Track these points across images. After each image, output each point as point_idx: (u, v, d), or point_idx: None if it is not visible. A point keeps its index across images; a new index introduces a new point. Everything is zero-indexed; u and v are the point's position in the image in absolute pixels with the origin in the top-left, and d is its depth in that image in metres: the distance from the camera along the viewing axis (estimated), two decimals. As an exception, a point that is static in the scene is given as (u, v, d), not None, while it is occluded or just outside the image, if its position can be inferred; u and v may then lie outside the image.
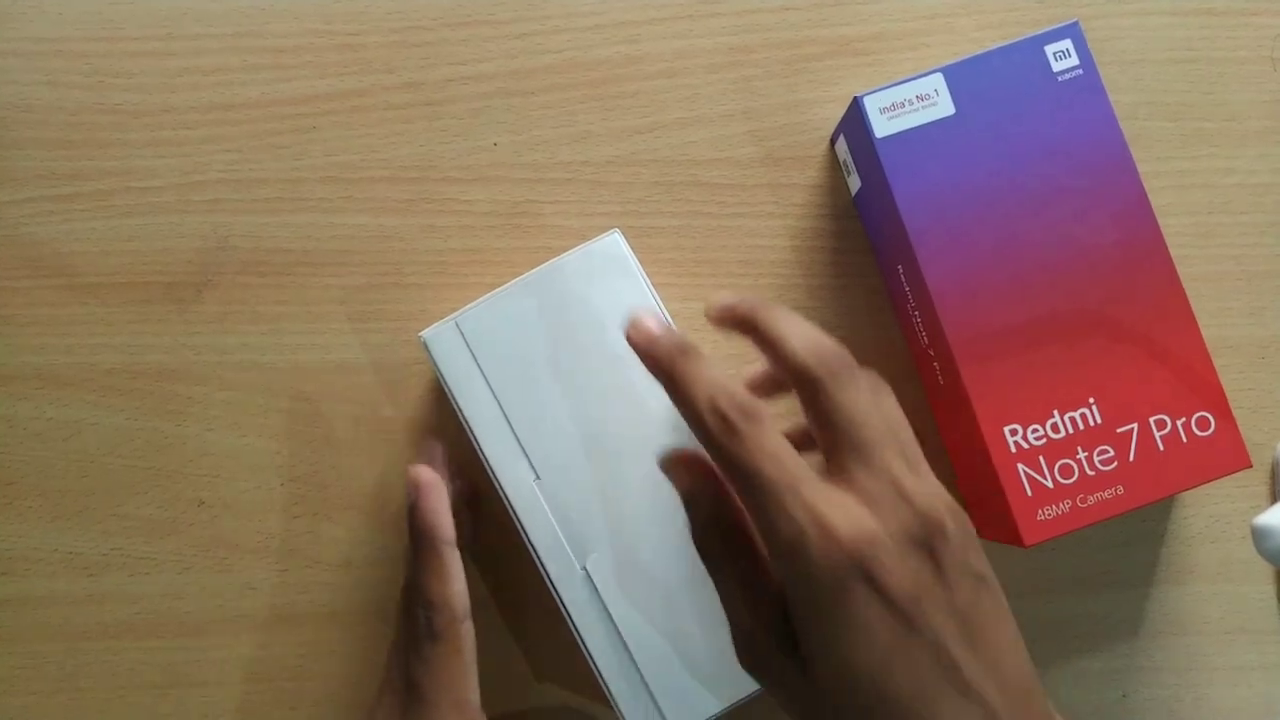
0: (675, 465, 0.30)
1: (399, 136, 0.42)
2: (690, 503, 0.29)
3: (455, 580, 0.34)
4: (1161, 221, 0.38)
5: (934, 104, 0.38)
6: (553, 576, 0.36)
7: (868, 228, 0.42)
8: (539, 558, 0.36)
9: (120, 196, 0.42)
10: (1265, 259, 0.43)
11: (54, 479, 0.41)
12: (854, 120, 0.39)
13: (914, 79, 0.38)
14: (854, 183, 0.42)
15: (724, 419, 0.27)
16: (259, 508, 0.41)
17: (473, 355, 0.37)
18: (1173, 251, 0.38)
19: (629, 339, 0.30)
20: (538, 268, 0.37)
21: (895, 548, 0.26)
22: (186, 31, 0.43)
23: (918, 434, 0.42)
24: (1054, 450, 0.37)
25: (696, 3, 0.43)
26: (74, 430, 0.41)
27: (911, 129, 0.38)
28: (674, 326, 0.35)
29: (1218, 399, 0.37)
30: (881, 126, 0.38)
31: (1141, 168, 0.38)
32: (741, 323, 0.31)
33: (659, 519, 0.37)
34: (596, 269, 0.37)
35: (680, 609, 0.36)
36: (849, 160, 0.42)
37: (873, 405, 0.28)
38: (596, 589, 0.36)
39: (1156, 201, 0.38)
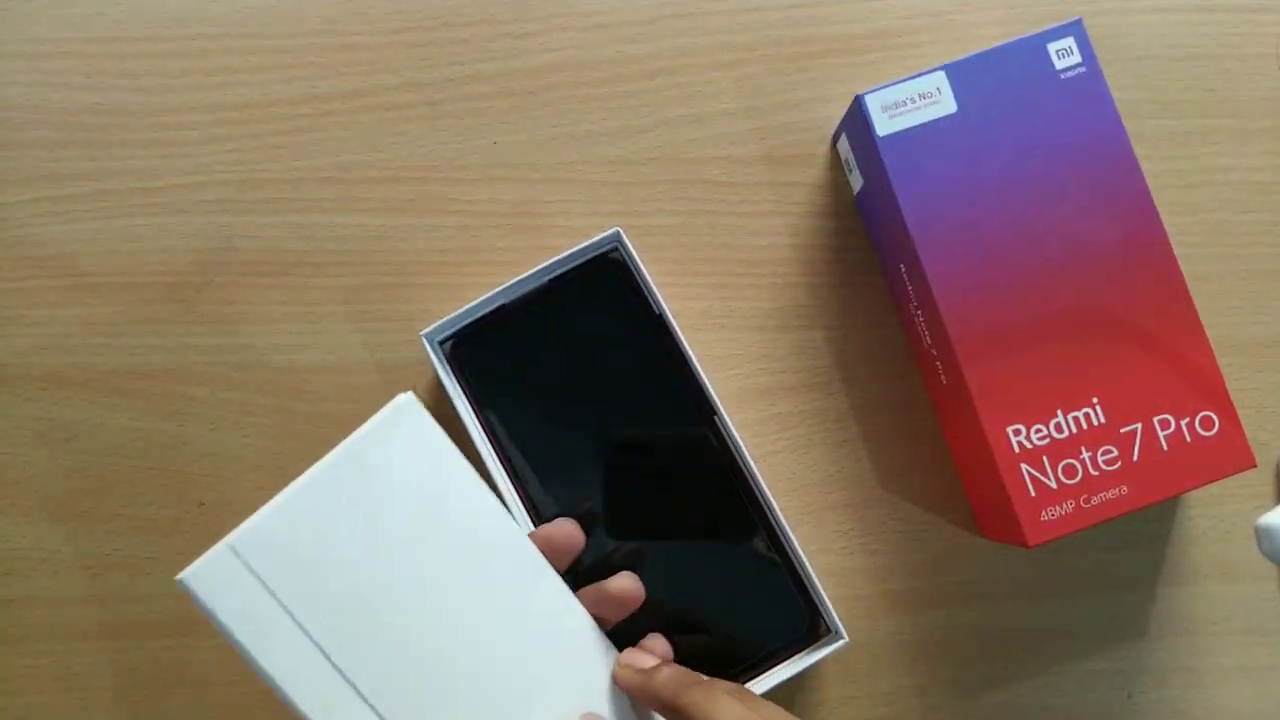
0: None
1: (400, 136, 0.42)
2: None
3: None
4: (1165, 220, 0.37)
5: (936, 102, 0.38)
6: None
7: (870, 226, 0.42)
8: None
9: (122, 197, 0.42)
10: (1270, 258, 0.43)
11: (57, 479, 0.41)
12: (856, 118, 0.39)
13: (916, 77, 0.38)
14: (856, 181, 0.42)
15: None
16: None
17: (265, 587, 0.28)
18: (1177, 250, 0.37)
19: (619, 680, 0.29)
20: (325, 458, 0.29)
21: None
22: (188, 32, 0.43)
23: (919, 433, 0.42)
24: (1058, 450, 0.36)
25: (697, 1, 0.43)
26: (76, 431, 0.42)
27: (913, 127, 0.38)
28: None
29: (1222, 399, 0.37)
30: (883, 125, 0.38)
31: (1145, 166, 0.38)
32: (662, 704, 0.29)
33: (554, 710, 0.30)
34: (395, 438, 0.30)
35: None
36: (851, 159, 0.41)
37: None
38: None
39: (1160, 200, 0.38)
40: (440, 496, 0.30)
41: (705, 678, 0.29)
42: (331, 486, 0.29)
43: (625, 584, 0.33)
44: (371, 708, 0.28)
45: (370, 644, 0.28)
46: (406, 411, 0.31)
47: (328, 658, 0.28)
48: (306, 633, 0.28)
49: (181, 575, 0.28)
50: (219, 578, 0.28)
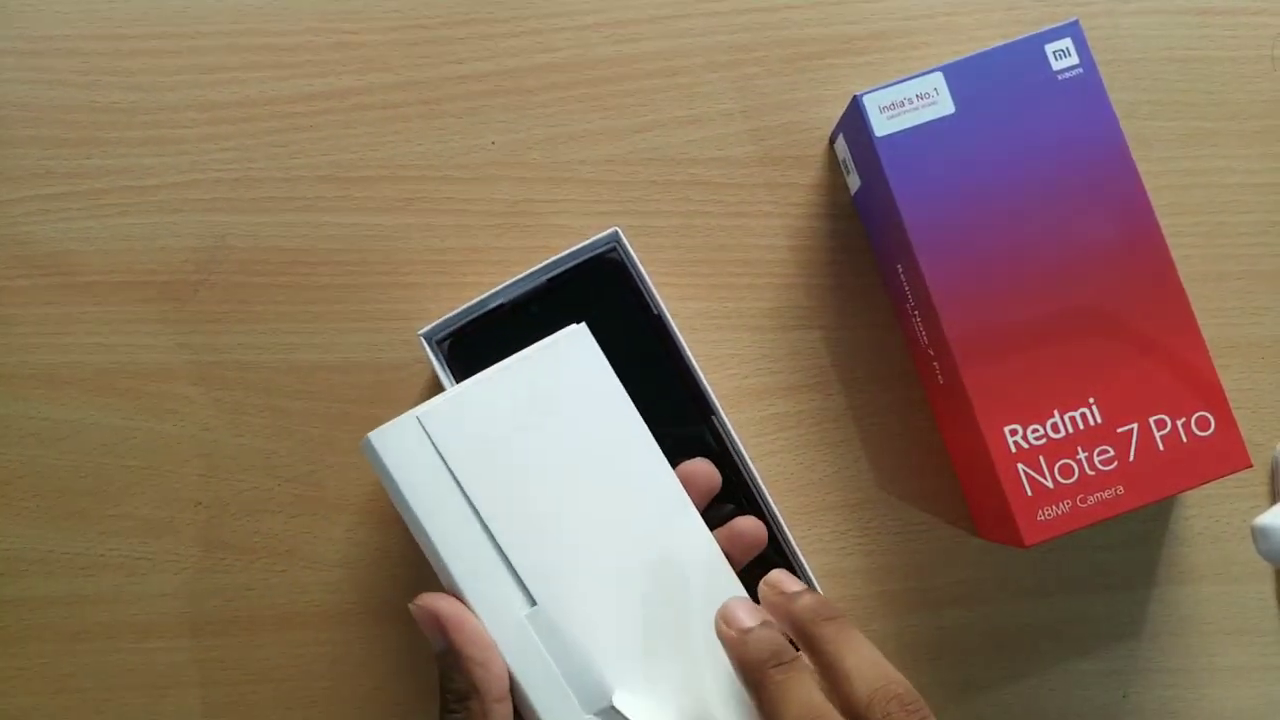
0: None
1: (397, 135, 0.42)
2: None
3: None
4: (1162, 221, 0.38)
5: (934, 103, 0.38)
6: None
7: (867, 227, 0.42)
8: (534, 710, 0.29)
9: (117, 195, 0.42)
10: (1266, 258, 0.43)
11: (51, 479, 0.41)
12: (853, 119, 0.39)
13: (913, 78, 0.38)
14: (853, 182, 0.42)
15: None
16: (256, 508, 0.41)
17: (442, 459, 0.30)
18: (1173, 251, 0.37)
19: (719, 633, 0.29)
20: (502, 362, 0.32)
21: None
22: (184, 30, 0.43)
23: (916, 433, 0.42)
24: (1054, 450, 0.37)
25: (696, 1, 0.43)
26: (71, 430, 0.41)
27: (911, 128, 0.38)
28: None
29: (1218, 399, 0.37)
30: (881, 125, 0.38)
31: (1141, 167, 0.38)
32: (792, 630, 0.29)
33: (677, 630, 0.31)
34: (565, 358, 0.32)
35: None
36: (848, 159, 0.41)
37: None
38: None
39: (1157, 201, 0.38)
40: (601, 418, 0.32)
41: (842, 613, 0.29)
42: (507, 386, 0.31)
43: (752, 523, 0.34)
44: (522, 585, 0.29)
45: (528, 530, 0.30)
46: (579, 338, 0.33)
47: (489, 532, 0.29)
48: (473, 506, 0.29)
49: (369, 435, 0.29)
50: (403, 444, 0.30)
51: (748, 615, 0.29)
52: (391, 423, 0.30)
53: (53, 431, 0.41)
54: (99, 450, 0.41)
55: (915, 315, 0.40)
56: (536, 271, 0.38)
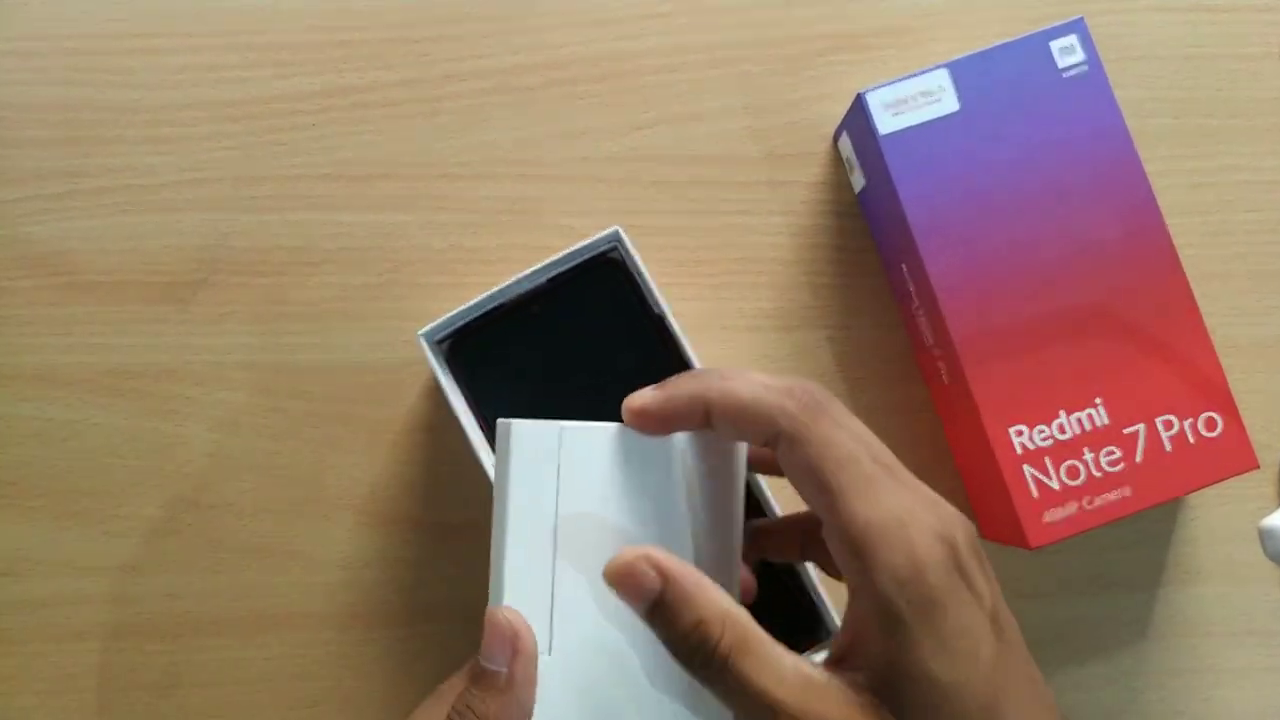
0: (624, 576, 0.26)
1: (398, 134, 0.42)
2: (662, 606, 0.26)
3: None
4: (1168, 219, 0.37)
5: (938, 100, 0.38)
6: None
7: (871, 225, 0.42)
8: None
9: (118, 195, 0.42)
10: (1273, 258, 0.42)
11: (54, 479, 0.41)
12: (857, 117, 0.39)
13: (918, 75, 0.38)
14: (857, 180, 0.42)
15: (805, 397, 0.26)
16: (257, 508, 0.41)
17: (557, 476, 0.29)
18: (1180, 250, 0.37)
19: (632, 415, 0.28)
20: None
21: (969, 554, 0.25)
22: (185, 29, 0.42)
23: (921, 434, 0.42)
24: (1060, 451, 0.36)
25: (698, -2, 0.43)
26: (73, 430, 0.41)
27: (916, 125, 0.38)
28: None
29: (1225, 399, 0.36)
30: (885, 123, 0.38)
31: (1147, 165, 0.38)
32: (687, 417, 0.28)
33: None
34: (698, 457, 0.31)
35: None
36: (852, 157, 0.41)
37: (848, 431, 0.27)
38: None
39: (1163, 199, 0.38)
40: (705, 528, 0.30)
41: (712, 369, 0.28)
42: (642, 445, 0.30)
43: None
44: (550, 630, 0.29)
45: (580, 583, 0.29)
46: (738, 452, 0.31)
47: (553, 567, 0.29)
48: (555, 536, 0.29)
49: (512, 421, 0.29)
50: (536, 444, 0.29)
51: (648, 389, 0.28)
52: (536, 421, 0.29)
53: (55, 432, 0.41)
54: (101, 451, 0.41)
55: (920, 315, 0.39)
56: (537, 271, 0.38)
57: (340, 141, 0.42)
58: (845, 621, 0.26)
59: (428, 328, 0.37)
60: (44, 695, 0.41)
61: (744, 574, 0.32)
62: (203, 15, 0.42)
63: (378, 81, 0.42)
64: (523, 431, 0.29)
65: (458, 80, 0.42)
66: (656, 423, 0.29)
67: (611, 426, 0.30)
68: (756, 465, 0.33)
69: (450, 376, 0.38)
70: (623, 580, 0.26)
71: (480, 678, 0.27)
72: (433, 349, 0.38)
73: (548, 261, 0.38)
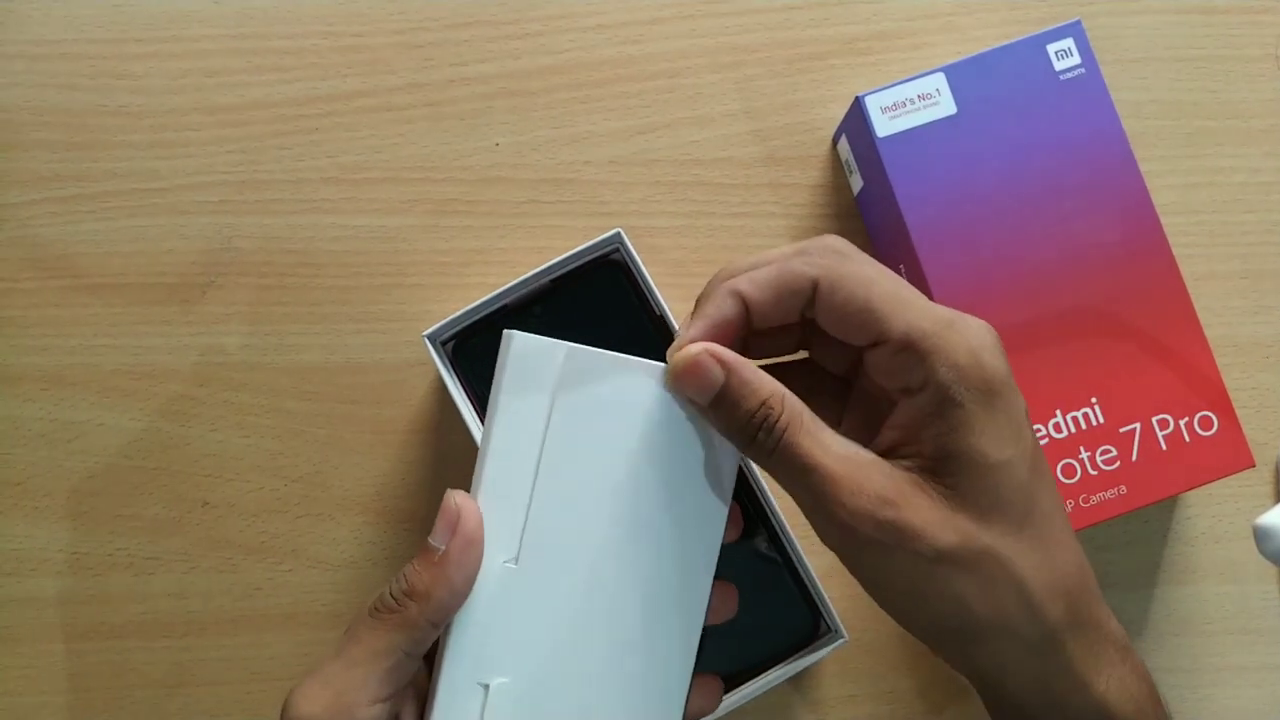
0: (690, 371, 0.27)
1: (401, 137, 0.43)
2: (726, 394, 0.27)
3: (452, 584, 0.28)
4: (1164, 221, 0.38)
5: (936, 103, 0.38)
6: (445, 671, 0.28)
7: (870, 227, 0.42)
8: (447, 638, 0.28)
9: (124, 198, 0.42)
10: (1269, 258, 0.43)
11: (59, 480, 0.41)
12: (856, 119, 0.39)
13: (916, 78, 0.38)
14: (856, 182, 0.42)
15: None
16: (263, 508, 0.41)
17: (552, 393, 0.29)
18: (1176, 251, 0.37)
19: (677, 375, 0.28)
20: (651, 362, 0.30)
21: (1004, 352, 0.27)
22: (190, 34, 0.43)
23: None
24: (1057, 450, 0.37)
25: (698, 2, 0.43)
26: (79, 431, 0.42)
27: (913, 128, 0.38)
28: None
29: (1220, 398, 0.37)
30: (883, 126, 0.38)
31: (1144, 167, 0.38)
32: (724, 324, 0.28)
33: (614, 676, 0.29)
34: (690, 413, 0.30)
35: None
36: (851, 160, 0.41)
37: (877, 264, 0.28)
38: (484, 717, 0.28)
39: (1159, 201, 0.38)
40: (695, 472, 0.30)
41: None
42: (644, 378, 0.29)
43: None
44: (521, 541, 0.29)
45: (562, 505, 0.29)
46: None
47: (534, 477, 0.29)
48: (541, 449, 0.29)
49: (513, 332, 0.28)
50: (536, 359, 0.28)
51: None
52: (541, 337, 0.29)
53: (61, 432, 0.42)
54: (107, 451, 0.42)
55: (918, 315, 0.40)
56: (540, 272, 0.38)
57: (344, 145, 0.42)
58: (891, 424, 0.27)
59: (432, 329, 0.38)
60: (50, 693, 0.41)
61: (721, 593, 0.32)
62: (207, 20, 0.43)
63: (381, 86, 0.43)
64: (525, 344, 0.28)
65: (461, 84, 0.43)
66: (707, 356, 0.28)
67: (621, 357, 0.29)
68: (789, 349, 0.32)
69: (454, 376, 0.38)
70: (689, 374, 0.27)
71: (421, 552, 0.28)
72: (437, 349, 0.38)
73: (550, 263, 0.38)
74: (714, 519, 0.31)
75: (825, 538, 0.26)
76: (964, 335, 0.26)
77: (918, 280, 0.38)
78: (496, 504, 0.28)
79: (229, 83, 0.43)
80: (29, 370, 0.42)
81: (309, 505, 0.41)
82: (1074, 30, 0.38)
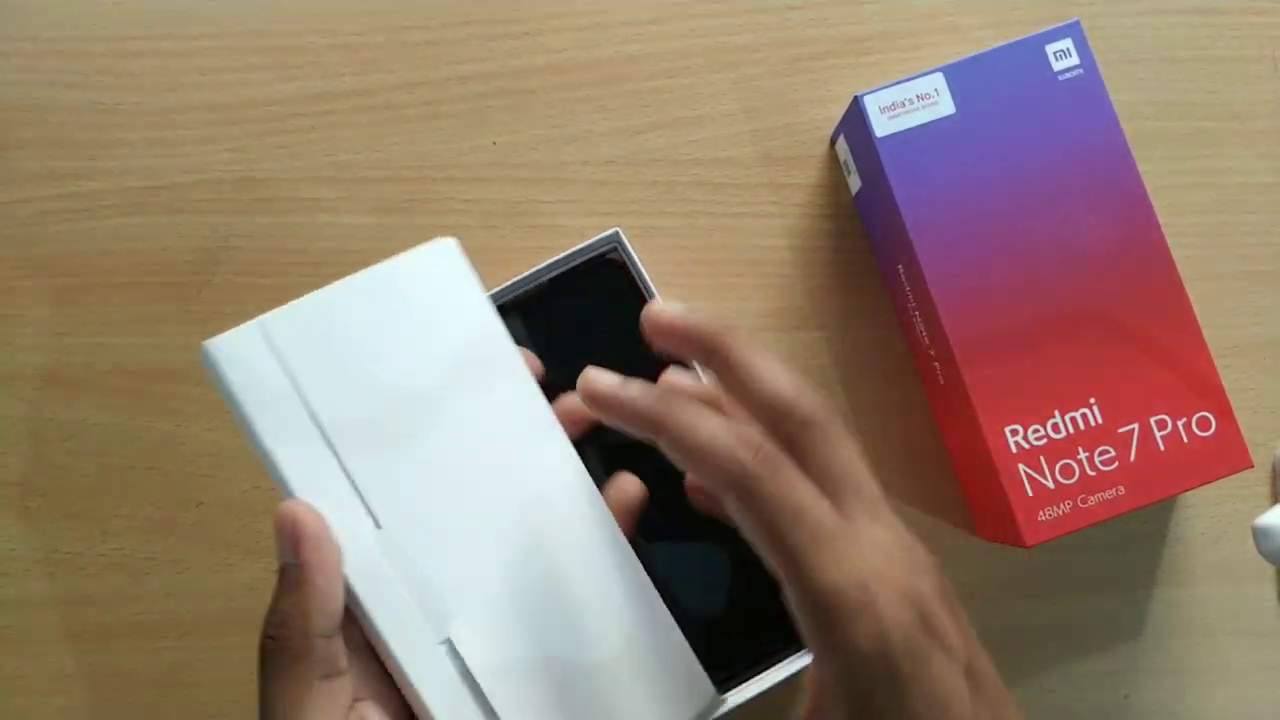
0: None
1: (399, 136, 0.42)
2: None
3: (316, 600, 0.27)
4: (1163, 221, 0.38)
5: (934, 103, 0.38)
6: (400, 657, 0.27)
7: (868, 227, 0.42)
8: (379, 634, 0.27)
9: (120, 196, 0.42)
10: (1268, 259, 0.43)
11: (54, 479, 0.41)
12: (854, 119, 0.39)
13: (914, 78, 0.38)
14: (854, 182, 0.42)
15: (763, 453, 0.25)
16: (259, 508, 0.41)
17: (285, 370, 0.28)
18: (1175, 252, 0.37)
19: (592, 398, 0.27)
20: (359, 273, 0.30)
21: (940, 608, 0.25)
22: (187, 32, 0.43)
23: (917, 434, 0.42)
24: (1055, 450, 0.37)
25: (697, 2, 0.43)
26: (74, 430, 0.41)
27: (912, 128, 0.38)
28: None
29: (1219, 399, 0.37)
30: (882, 126, 0.38)
31: (1143, 167, 0.38)
32: (697, 348, 0.27)
33: (538, 565, 0.29)
34: (429, 274, 0.30)
35: (578, 681, 0.29)
36: (849, 160, 0.41)
37: (862, 457, 0.27)
38: (466, 666, 0.28)
39: (1158, 201, 0.38)
40: (467, 337, 0.30)
41: (676, 390, 0.27)
42: (363, 296, 0.29)
43: (632, 482, 0.31)
44: (368, 506, 0.28)
45: (377, 449, 0.28)
46: (447, 251, 0.30)
47: (334, 450, 0.27)
48: (318, 422, 0.28)
49: (206, 343, 0.27)
50: (243, 352, 0.27)
51: (614, 377, 0.27)
52: (233, 330, 0.28)
53: (56, 432, 0.41)
54: (102, 450, 0.41)
55: (916, 315, 0.40)
56: (537, 272, 0.38)
57: (341, 144, 0.42)
58: (809, 688, 0.26)
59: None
60: (44, 695, 0.41)
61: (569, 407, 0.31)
62: (204, 19, 0.43)
63: (378, 84, 0.43)
64: (223, 344, 0.27)
65: (458, 83, 0.43)
66: (607, 413, 0.27)
67: (315, 296, 0.28)
68: (703, 504, 0.32)
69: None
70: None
71: (278, 580, 0.27)
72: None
73: (548, 262, 0.38)
74: (517, 377, 0.30)
75: None
76: (878, 607, 0.23)
77: (917, 281, 0.38)
78: (319, 492, 0.27)
79: (226, 81, 0.42)
80: (23, 369, 0.42)
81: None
82: (1072, 31, 0.38)
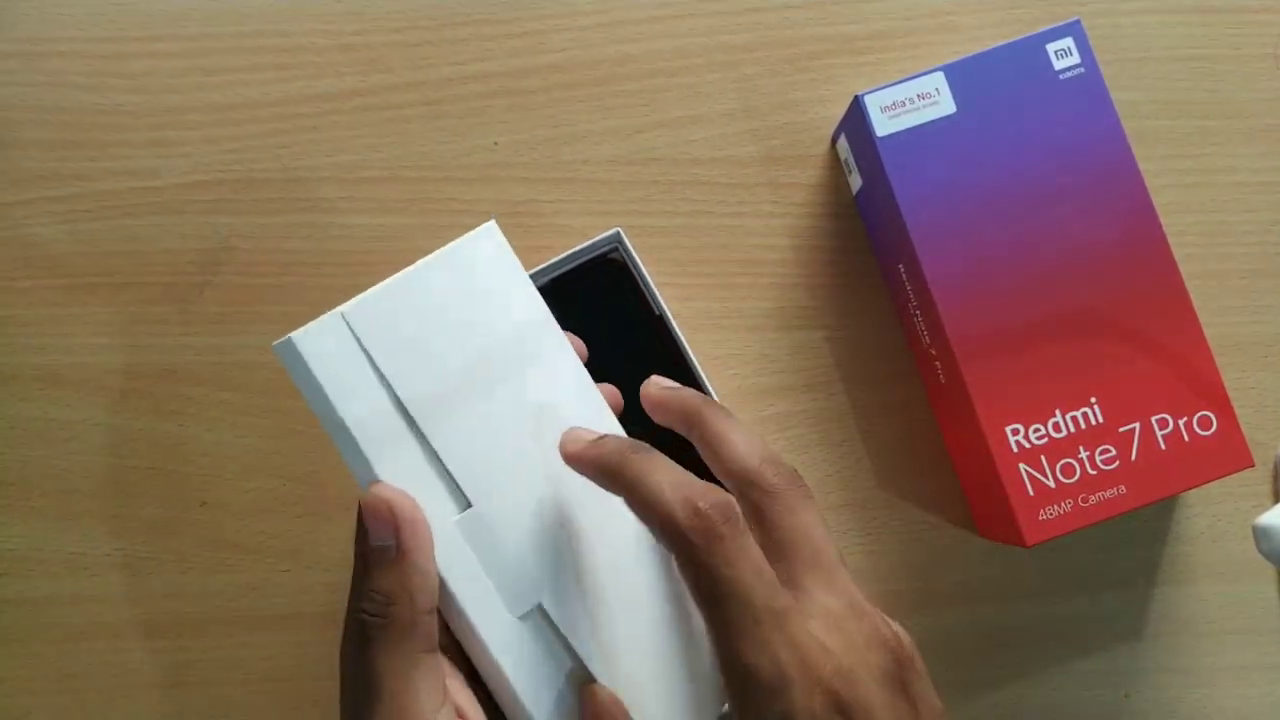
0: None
1: (400, 136, 0.42)
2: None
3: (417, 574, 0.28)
4: (1164, 220, 0.38)
5: (935, 102, 0.38)
6: (484, 634, 0.28)
7: (869, 227, 0.42)
8: (463, 611, 0.28)
9: (121, 197, 0.42)
10: (1268, 258, 0.43)
11: (55, 480, 0.41)
12: (855, 119, 0.39)
13: (915, 77, 0.38)
14: (855, 181, 0.42)
15: (703, 519, 0.25)
16: (259, 508, 0.41)
17: (369, 358, 0.28)
18: (1175, 250, 0.37)
19: (566, 457, 0.28)
20: (424, 259, 0.31)
21: (878, 689, 0.25)
22: (188, 32, 0.43)
23: (918, 433, 0.42)
24: (1056, 449, 0.37)
25: (697, 1, 0.43)
26: (75, 431, 0.41)
27: (912, 127, 0.38)
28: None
29: (1220, 398, 0.37)
30: (882, 125, 0.38)
31: (1143, 166, 0.38)
32: (681, 419, 0.29)
33: (613, 534, 0.30)
34: (481, 257, 0.31)
35: (661, 646, 0.30)
36: (850, 159, 0.41)
37: (822, 524, 0.27)
38: (549, 639, 0.29)
39: (1159, 200, 0.38)
40: (519, 317, 0.31)
41: (648, 446, 0.28)
42: (428, 282, 0.30)
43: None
44: (456, 487, 0.28)
45: (459, 430, 0.29)
46: (490, 234, 0.31)
47: (421, 435, 0.28)
48: (403, 407, 0.28)
49: (291, 336, 0.28)
50: (327, 344, 0.28)
51: (587, 433, 0.28)
52: (315, 322, 0.28)
53: (57, 432, 0.41)
54: (103, 451, 0.41)
55: (917, 315, 0.40)
56: (538, 272, 0.38)
57: (342, 144, 0.42)
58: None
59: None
60: (45, 694, 0.41)
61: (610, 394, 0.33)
62: (205, 19, 0.43)
63: (379, 84, 0.43)
64: (308, 337, 0.28)
65: (458, 83, 0.43)
66: (578, 466, 0.28)
67: (388, 284, 0.29)
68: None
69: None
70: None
71: (370, 559, 0.27)
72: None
73: (549, 262, 0.38)
74: (564, 351, 0.32)
75: None
76: (791, 702, 0.24)
77: (917, 280, 0.38)
78: (407, 473, 0.28)
79: (227, 81, 0.43)
80: (24, 369, 0.42)
81: (306, 505, 0.41)
82: (1073, 30, 0.38)
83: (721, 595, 0.24)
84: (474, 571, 0.28)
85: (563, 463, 0.29)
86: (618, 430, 0.32)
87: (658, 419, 0.31)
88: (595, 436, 0.28)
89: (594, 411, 0.32)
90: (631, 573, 0.30)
